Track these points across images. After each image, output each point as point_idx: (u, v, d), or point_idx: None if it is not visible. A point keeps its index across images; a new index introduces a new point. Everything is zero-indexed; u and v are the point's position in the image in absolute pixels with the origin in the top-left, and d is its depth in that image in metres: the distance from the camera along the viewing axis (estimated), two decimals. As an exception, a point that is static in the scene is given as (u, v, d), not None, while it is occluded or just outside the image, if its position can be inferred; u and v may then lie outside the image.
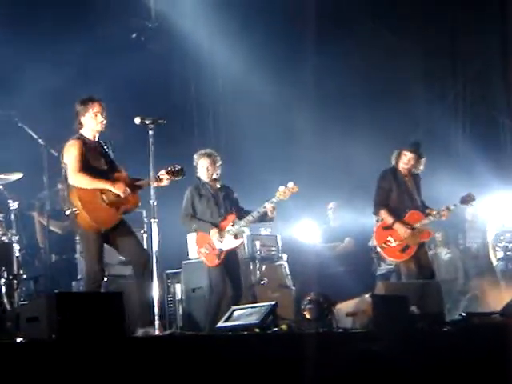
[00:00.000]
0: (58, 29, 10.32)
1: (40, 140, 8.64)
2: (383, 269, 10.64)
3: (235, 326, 7.09)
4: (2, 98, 9.12)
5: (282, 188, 8.23)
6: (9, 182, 8.22)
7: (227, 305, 7.95)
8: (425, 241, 8.92)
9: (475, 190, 9.13)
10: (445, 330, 7.23)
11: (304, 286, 9.70)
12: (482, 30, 12.55)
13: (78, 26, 10.46)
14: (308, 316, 7.57)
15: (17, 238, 8.11)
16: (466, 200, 8.89)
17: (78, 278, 9.01)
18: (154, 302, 6.77)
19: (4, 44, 9.63)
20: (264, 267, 9.59)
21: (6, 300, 7.53)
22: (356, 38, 12.34)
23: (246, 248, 9.58)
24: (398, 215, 8.71)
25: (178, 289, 9.57)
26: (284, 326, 7.26)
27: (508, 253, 10.74)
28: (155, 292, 6.80)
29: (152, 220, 6.96)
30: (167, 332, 7.17)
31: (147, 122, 7.01)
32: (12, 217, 8.21)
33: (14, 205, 8.22)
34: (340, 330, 7.15)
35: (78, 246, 8.96)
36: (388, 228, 8.71)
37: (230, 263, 8.35)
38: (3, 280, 7.60)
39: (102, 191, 6.95)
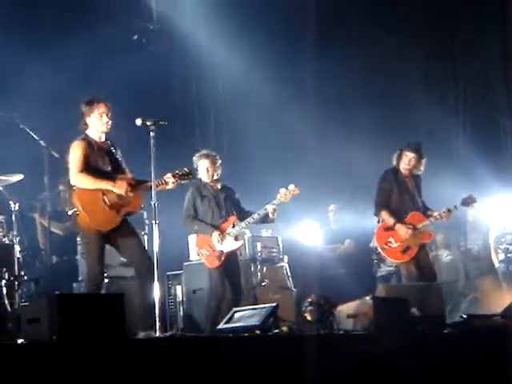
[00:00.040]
0: (59, 31, 10.32)
1: (41, 141, 8.65)
2: (383, 270, 10.63)
3: (236, 327, 7.09)
4: (3, 100, 9.12)
5: (283, 190, 8.22)
6: (10, 183, 8.24)
7: (227, 307, 7.95)
8: (426, 242, 8.92)
9: (476, 191, 9.13)
10: (446, 332, 7.22)
11: (305, 287, 9.71)
12: (482, 30, 12.54)
13: (79, 27, 10.45)
14: (309, 318, 7.57)
15: (18, 239, 8.13)
16: (467, 202, 8.89)
17: (79, 279, 9.01)
18: (155, 304, 6.76)
19: (5, 46, 9.63)
20: (265, 269, 9.59)
21: (6, 301, 7.55)
22: (355, 41, 12.33)
23: (247, 249, 9.58)
24: (398, 216, 8.72)
25: (179, 290, 9.57)
26: (285, 328, 7.25)
27: (509, 255, 10.71)
28: (156, 293, 6.79)
29: (153, 221, 6.95)
30: (168, 334, 7.17)
31: (148, 123, 7.01)
32: (13, 218, 8.23)
33: (14, 206, 8.24)
34: (341, 332, 7.15)
35: (79, 248, 8.97)
36: (389, 229, 8.71)
37: (230, 265, 8.35)
38: (4, 281, 7.62)
39: (104, 192, 6.96)
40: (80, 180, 6.95)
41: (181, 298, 9.53)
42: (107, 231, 7.00)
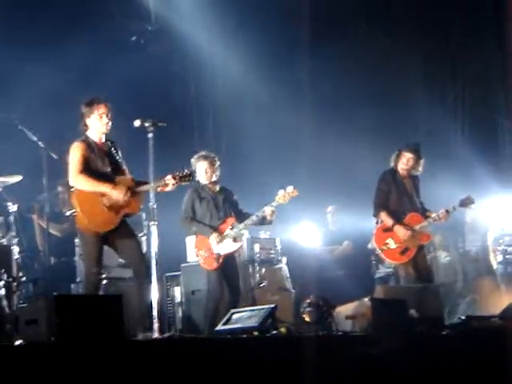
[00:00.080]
0: (58, 32, 10.32)
1: (40, 143, 8.64)
2: (382, 272, 10.64)
3: (234, 328, 7.09)
4: (2, 101, 9.12)
5: (281, 192, 8.21)
6: (8, 184, 8.23)
7: (225, 309, 7.94)
8: (424, 243, 8.92)
9: (474, 192, 9.13)
10: (444, 333, 7.21)
11: (303, 289, 9.71)
12: (481, 31, 12.57)
13: (77, 29, 10.45)
14: (307, 319, 7.57)
15: (16, 240, 8.13)
16: (466, 203, 8.89)
17: (77, 280, 9.00)
18: (153, 305, 6.76)
19: (4, 47, 9.63)
20: (263, 270, 9.59)
21: (5, 302, 7.53)
22: (350, 41, 12.35)
23: (246, 251, 9.57)
24: (397, 217, 8.72)
25: (178, 291, 9.56)
26: (283, 329, 7.26)
27: (507, 256, 10.72)
28: (154, 295, 6.79)
29: (151, 223, 6.95)
30: (166, 335, 7.17)
31: (147, 124, 7.00)
32: (11, 219, 8.22)
33: (13, 207, 8.24)
34: (339, 333, 7.15)
35: (77, 249, 8.96)
36: (388, 230, 8.71)
37: (228, 267, 8.35)
38: (2, 282, 7.61)
39: (103, 194, 6.96)
40: (79, 182, 6.95)
41: (179, 300, 9.52)
42: (105, 232, 7.00)
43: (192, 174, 7.37)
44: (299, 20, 11.69)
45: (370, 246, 9.68)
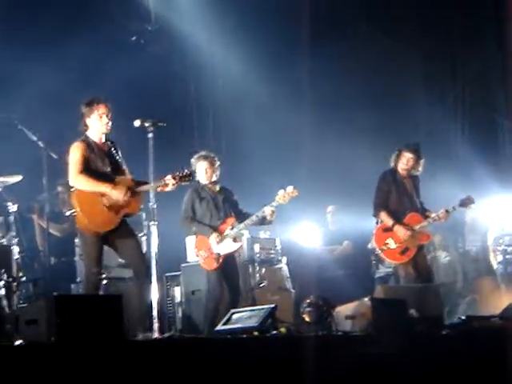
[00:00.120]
0: (58, 32, 10.31)
1: (40, 143, 8.63)
2: (381, 272, 10.63)
3: (234, 328, 7.09)
4: (1, 101, 9.12)
5: (281, 192, 8.20)
6: (8, 184, 8.22)
7: (225, 309, 7.94)
8: (424, 243, 8.92)
9: (474, 192, 9.13)
10: (444, 333, 7.21)
11: (303, 289, 9.70)
12: (482, 31, 12.57)
13: (77, 29, 10.44)
14: (307, 319, 7.57)
15: (16, 240, 8.13)
16: (465, 203, 8.88)
17: (77, 280, 9.00)
18: (153, 305, 6.76)
19: (4, 47, 9.63)
20: (263, 270, 9.59)
21: (5, 302, 7.53)
22: (350, 41, 12.35)
23: (246, 251, 9.57)
24: (397, 217, 8.71)
25: (178, 291, 9.56)
26: (283, 329, 7.26)
27: (507, 256, 10.72)
28: (154, 295, 6.79)
29: (151, 223, 6.95)
30: (166, 335, 7.17)
31: (147, 124, 7.01)
32: (11, 219, 8.22)
33: (13, 207, 8.24)
34: (339, 333, 7.15)
35: (77, 249, 8.96)
36: (388, 230, 8.71)
37: (228, 267, 8.35)
38: (2, 282, 7.60)
39: (103, 194, 6.96)
40: (79, 182, 6.96)
41: (179, 299, 9.52)
42: (105, 232, 7.00)
43: (192, 174, 7.36)
44: (299, 20, 11.68)
45: (370, 245, 9.67)
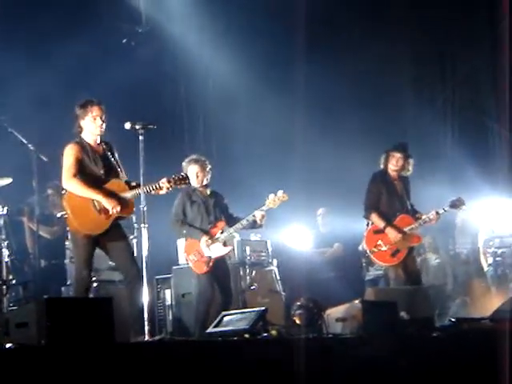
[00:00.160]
0: (48, 35, 10.28)
1: (30, 145, 8.61)
2: (371, 274, 10.66)
3: (225, 331, 7.08)
4: (-9, 103, 9.11)
5: (271, 196, 8.24)
6: (-2, 187, 8.21)
7: (216, 311, 7.94)
8: (414, 245, 8.93)
9: (464, 194, 9.13)
10: (434, 335, 7.23)
11: (294, 291, 9.70)
12: (471, 34, 12.61)
13: (68, 31, 10.42)
14: (298, 321, 7.57)
15: (6, 243, 8.10)
16: (456, 204, 8.88)
17: (68, 283, 8.98)
18: (143, 308, 6.75)
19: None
20: (254, 272, 9.59)
21: (-5, 305, 7.52)
22: (342, 44, 12.36)
23: (236, 253, 9.57)
24: (387, 219, 8.71)
25: (168, 294, 9.55)
26: (274, 332, 7.24)
27: (497, 258, 10.75)
28: (145, 298, 6.78)
29: (142, 225, 6.94)
30: (157, 337, 7.15)
31: (137, 127, 7.01)
32: (1, 222, 8.19)
33: (2, 210, 8.20)
34: (330, 336, 7.15)
35: (68, 252, 8.96)
36: (378, 232, 8.71)
37: (219, 270, 8.35)
38: (-8, 285, 7.59)
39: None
40: (71, 185, 6.94)
41: (170, 302, 9.51)
42: (97, 235, 6.98)
43: (188, 178, 7.37)
44: (290, 22, 11.68)
45: (360, 247, 9.69)
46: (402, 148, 8.86)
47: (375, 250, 8.70)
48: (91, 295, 7.78)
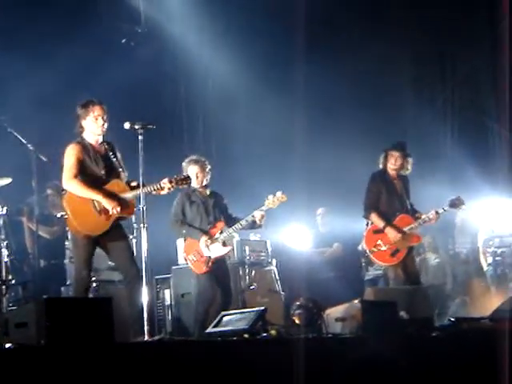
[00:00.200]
0: (48, 35, 10.28)
1: (29, 145, 8.61)
2: (371, 274, 10.66)
3: (224, 331, 7.08)
4: (-10, 104, 9.10)
5: (270, 197, 8.26)
6: (-3, 186, 8.21)
7: (216, 311, 7.94)
8: (414, 245, 8.93)
9: (464, 194, 9.13)
10: (434, 335, 7.23)
11: (293, 291, 9.71)
12: (471, 34, 12.61)
13: (67, 31, 10.42)
14: (297, 321, 7.57)
15: (5, 243, 8.09)
16: (455, 204, 8.87)
17: (67, 283, 8.99)
18: (143, 308, 6.75)
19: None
20: (253, 272, 9.59)
21: (-6, 305, 7.52)
22: (342, 45, 12.36)
23: (236, 253, 9.58)
24: (387, 219, 8.71)
25: (168, 294, 9.55)
26: (273, 332, 7.24)
27: (497, 258, 10.75)
28: (144, 298, 6.78)
29: (141, 225, 6.94)
30: (156, 337, 7.15)
31: (136, 127, 7.00)
32: (0, 222, 8.19)
33: (2, 210, 8.20)
34: (329, 336, 7.15)
35: (67, 252, 8.96)
36: (378, 232, 8.70)
37: (218, 270, 8.35)
38: (-9, 285, 7.59)
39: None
40: (72, 186, 6.94)
41: (169, 302, 9.51)
42: (97, 235, 6.98)
43: (190, 178, 7.37)
44: (290, 22, 11.68)
45: (360, 247, 9.68)
46: (401, 147, 8.85)
47: (375, 249, 8.70)
48: (91, 295, 7.78)
